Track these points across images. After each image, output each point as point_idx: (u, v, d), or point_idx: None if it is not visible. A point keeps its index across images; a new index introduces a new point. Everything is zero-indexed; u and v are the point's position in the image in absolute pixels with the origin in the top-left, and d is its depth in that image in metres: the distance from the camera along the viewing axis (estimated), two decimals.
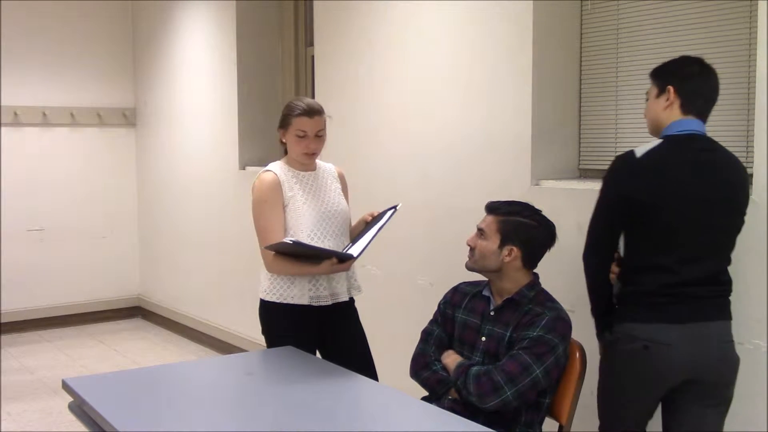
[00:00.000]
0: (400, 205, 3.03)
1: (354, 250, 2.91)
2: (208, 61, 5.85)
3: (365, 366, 3.05)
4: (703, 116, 2.49)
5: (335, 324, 3.11)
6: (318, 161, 3.19)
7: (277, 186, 3.02)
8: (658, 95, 2.49)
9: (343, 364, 2.77)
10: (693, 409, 2.45)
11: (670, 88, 2.45)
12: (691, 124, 2.46)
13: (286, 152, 3.14)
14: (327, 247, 2.99)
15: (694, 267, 2.41)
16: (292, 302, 3.01)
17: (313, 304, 3.01)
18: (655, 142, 2.46)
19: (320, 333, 3.10)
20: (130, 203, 6.97)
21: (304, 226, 3.01)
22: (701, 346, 2.39)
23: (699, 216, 2.41)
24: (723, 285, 2.48)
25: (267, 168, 3.10)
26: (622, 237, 2.53)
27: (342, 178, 3.24)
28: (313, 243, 2.99)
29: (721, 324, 2.44)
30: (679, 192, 2.40)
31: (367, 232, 2.97)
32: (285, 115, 3.06)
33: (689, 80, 2.47)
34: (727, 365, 2.46)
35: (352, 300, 3.19)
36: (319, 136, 3.04)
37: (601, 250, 2.52)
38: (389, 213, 2.97)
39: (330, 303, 3.04)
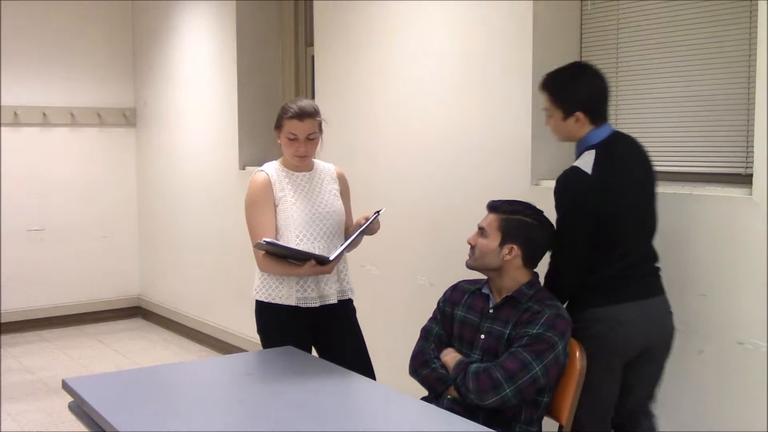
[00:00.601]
0: (383, 209, 3.04)
1: (332, 253, 2.92)
2: (208, 60, 5.85)
3: (360, 365, 3.05)
4: (607, 117, 2.75)
5: (325, 325, 3.11)
6: (317, 161, 3.20)
7: (267, 186, 3.05)
8: (565, 118, 2.69)
9: (337, 364, 2.78)
10: (640, 367, 2.72)
11: (579, 114, 2.66)
12: (606, 129, 2.71)
13: None
14: (316, 249, 2.99)
15: (638, 251, 2.70)
16: (280, 302, 3.03)
17: (301, 305, 3.02)
18: (590, 154, 2.64)
19: (312, 334, 3.11)
20: (130, 203, 6.97)
21: (293, 227, 3.02)
22: (652, 319, 2.69)
23: (638, 211, 2.70)
24: (655, 260, 2.75)
25: (261, 168, 3.13)
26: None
27: (341, 179, 3.23)
28: (302, 243, 3.00)
29: (662, 298, 2.74)
30: (624, 196, 2.65)
31: (351, 235, 3.00)
32: (278, 117, 3.08)
33: (590, 96, 2.68)
34: (669, 332, 2.75)
35: (346, 301, 3.17)
36: (311, 139, 3.04)
37: (582, 266, 2.66)
38: (372, 217, 2.99)
39: (318, 305, 3.04)
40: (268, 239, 2.87)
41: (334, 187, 3.18)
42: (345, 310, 3.17)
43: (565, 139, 2.78)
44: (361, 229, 2.97)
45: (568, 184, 2.64)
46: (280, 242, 2.96)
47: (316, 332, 3.11)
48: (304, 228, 3.03)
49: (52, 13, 6.43)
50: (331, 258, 2.88)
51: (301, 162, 3.09)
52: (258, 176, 3.09)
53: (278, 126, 3.07)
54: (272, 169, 3.11)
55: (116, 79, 6.80)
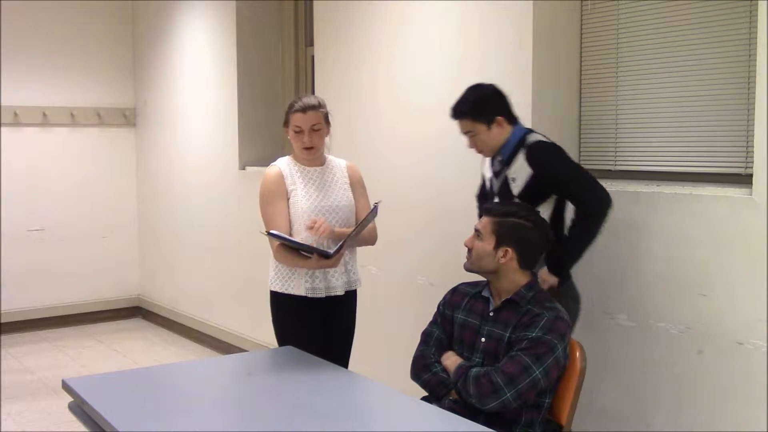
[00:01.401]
0: (380, 201, 3.11)
1: (333, 248, 3.01)
2: (208, 60, 5.85)
3: (339, 358, 3.16)
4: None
5: (331, 316, 3.20)
6: (330, 157, 3.29)
7: (279, 179, 3.15)
8: (489, 128, 2.92)
9: (323, 355, 2.90)
10: None
11: (499, 119, 2.91)
12: (520, 126, 2.97)
13: None
14: (324, 242, 3.06)
15: None
16: (290, 292, 3.13)
17: (309, 295, 3.11)
18: (535, 134, 2.93)
19: (322, 324, 3.19)
20: (130, 203, 6.97)
21: (302, 220, 3.10)
22: None
23: None
24: None
25: (274, 162, 3.24)
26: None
27: (350, 170, 3.31)
28: (311, 236, 3.06)
29: None
30: None
31: (353, 230, 3.07)
32: (285, 113, 3.20)
33: (500, 99, 2.95)
34: None
35: (353, 293, 3.26)
36: (316, 130, 3.14)
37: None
38: (372, 210, 3.06)
39: (324, 295, 3.13)
40: (274, 231, 2.98)
41: (346, 182, 3.25)
42: (350, 302, 3.26)
43: (494, 150, 2.95)
44: (360, 223, 3.06)
45: (551, 144, 2.89)
46: (287, 236, 3.04)
47: (325, 322, 3.20)
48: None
49: (51, 13, 6.43)
50: (331, 252, 2.95)
51: (309, 154, 3.17)
52: (270, 170, 3.20)
53: (286, 122, 3.19)
54: (284, 163, 3.21)
55: (116, 79, 6.80)
